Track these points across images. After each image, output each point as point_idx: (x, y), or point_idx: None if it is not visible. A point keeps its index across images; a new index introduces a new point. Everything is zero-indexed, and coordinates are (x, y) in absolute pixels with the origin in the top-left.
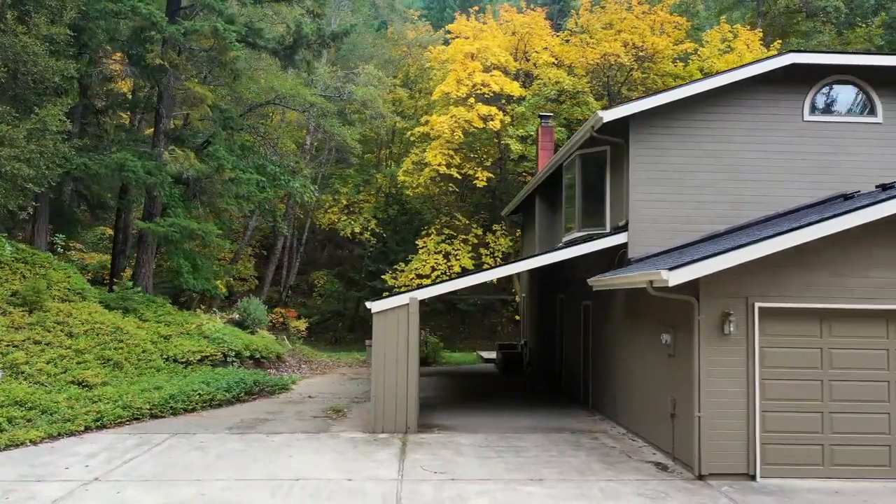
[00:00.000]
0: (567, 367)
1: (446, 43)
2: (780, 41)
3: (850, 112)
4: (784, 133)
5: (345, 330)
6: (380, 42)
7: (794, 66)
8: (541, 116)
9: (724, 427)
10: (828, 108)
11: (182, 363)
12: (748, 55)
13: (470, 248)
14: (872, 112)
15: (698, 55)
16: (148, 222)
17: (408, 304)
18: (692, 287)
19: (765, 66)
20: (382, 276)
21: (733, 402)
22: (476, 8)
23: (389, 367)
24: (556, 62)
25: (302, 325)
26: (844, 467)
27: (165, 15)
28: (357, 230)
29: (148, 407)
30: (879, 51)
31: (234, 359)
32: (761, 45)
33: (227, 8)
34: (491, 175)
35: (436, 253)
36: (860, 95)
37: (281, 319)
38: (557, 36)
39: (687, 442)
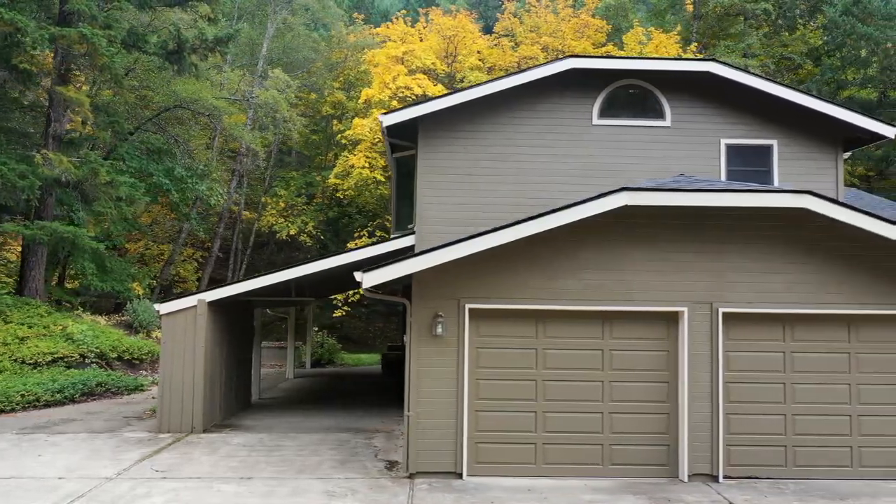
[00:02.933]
0: None
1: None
2: (718, 43)
3: (638, 116)
4: (573, 137)
5: (284, 332)
6: (321, 46)
7: (587, 70)
8: None
9: (435, 426)
10: (617, 112)
11: (31, 364)
12: (665, 55)
13: None
14: (660, 116)
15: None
16: (18, 224)
17: (196, 305)
18: (407, 288)
19: (546, 71)
20: None
21: (444, 401)
22: (404, 11)
23: (177, 368)
24: (482, 65)
25: None
26: (557, 466)
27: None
28: (293, 232)
29: None
30: (815, 52)
31: (94, 360)
32: (679, 48)
33: (110, 12)
34: None
35: None
36: (649, 99)
37: None
38: (490, 38)
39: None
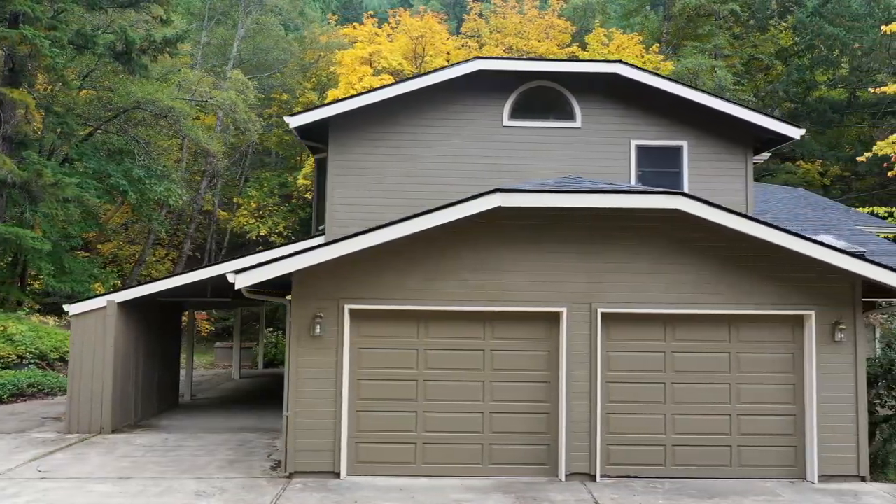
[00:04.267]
0: None
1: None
2: (688, 44)
3: (549, 117)
4: (483, 138)
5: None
6: (294, 48)
7: (496, 71)
8: None
9: (314, 426)
10: (527, 114)
11: None
12: (628, 57)
13: None
14: (571, 117)
15: (584, 59)
16: None
17: (105, 306)
18: (287, 288)
19: (455, 72)
20: None
21: (323, 401)
22: (371, 12)
23: (87, 370)
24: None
25: (210, 326)
26: (437, 465)
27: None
28: (264, 233)
29: None
30: (784, 52)
31: (32, 361)
32: (643, 49)
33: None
34: None
35: None
36: (559, 101)
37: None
38: (459, 38)
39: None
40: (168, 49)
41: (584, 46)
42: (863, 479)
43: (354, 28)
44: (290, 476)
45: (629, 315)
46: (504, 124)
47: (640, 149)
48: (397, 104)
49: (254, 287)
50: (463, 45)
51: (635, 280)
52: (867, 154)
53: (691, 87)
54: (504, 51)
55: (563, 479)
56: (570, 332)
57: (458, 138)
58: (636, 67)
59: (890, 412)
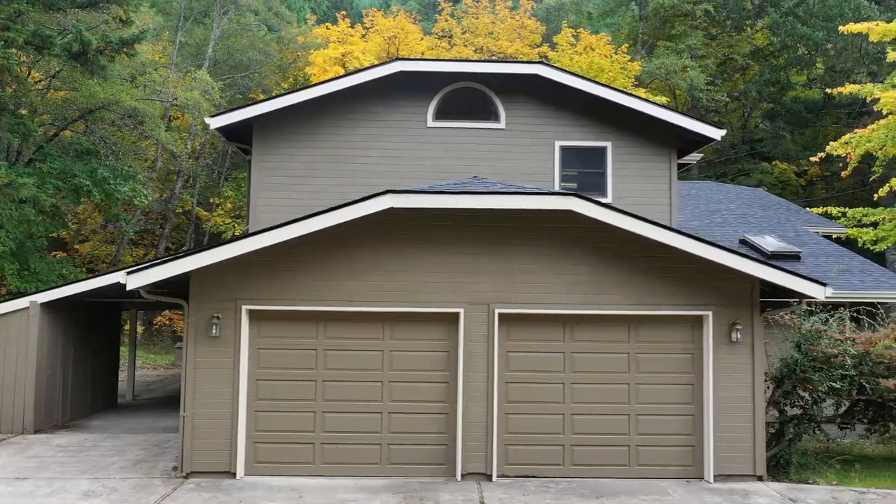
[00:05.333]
0: None
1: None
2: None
3: (473, 118)
4: (408, 139)
5: None
6: (271, 48)
7: (418, 73)
8: None
9: (211, 427)
10: (452, 115)
11: None
12: (597, 58)
13: None
14: (495, 118)
15: (554, 59)
16: None
17: (28, 307)
18: (185, 289)
19: (375, 73)
20: None
21: (220, 402)
22: (343, 13)
23: (9, 370)
24: None
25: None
26: (335, 465)
27: None
28: (239, 233)
29: None
30: (760, 52)
31: None
32: (612, 49)
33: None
34: None
35: None
36: (483, 102)
37: (168, 322)
38: (432, 39)
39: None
40: (125, 50)
41: (553, 47)
42: (760, 478)
43: (327, 28)
44: (187, 476)
45: (528, 315)
46: (428, 125)
47: (564, 150)
48: (325, 105)
49: (149, 288)
50: (435, 46)
51: (534, 281)
52: (820, 154)
53: (612, 88)
54: (474, 51)
55: (460, 478)
56: (467, 333)
57: (386, 139)
58: (557, 68)
59: (799, 411)
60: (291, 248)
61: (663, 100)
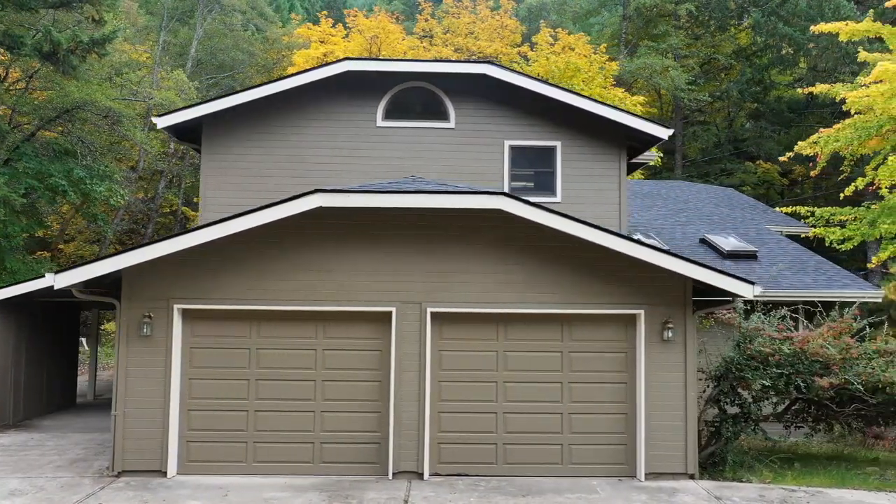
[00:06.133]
0: None
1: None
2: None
3: (423, 118)
4: (359, 138)
5: None
6: (256, 48)
7: (366, 72)
8: None
9: (143, 426)
10: (402, 114)
11: None
12: (574, 58)
13: None
14: (445, 118)
15: (532, 58)
16: None
17: None
18: (117, 288)
19: (323, 73)
20: None
21: (152, 401)
22: (325, 13)
23: None
24: None
25: None
26: (268, 464)
27: None
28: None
29: None
30: (743, 52)
31: None
32: (591, 49)
33: None
34: None
35: None
36: (433, 102)
37: None
38: (414, 38)
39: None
40: (96, 49)
41: (533, 46)
42: (692, 476)
43: (308, 28)
44: (119, 475)
45: (461, 314)
46: (378, 125)
47: (513, 149)
48: (276, 104)
49: (80, 287)
50: (416, 47)
51: (467, 280)
52: (788, 154)
53: (562, 88)
54: (454, 51)
55: (391, 477)
56: (400, 332)
57: (338, 139)
58: (505, 68)
59: (738, 410)
60: (224, 247)
61: (641, 100)
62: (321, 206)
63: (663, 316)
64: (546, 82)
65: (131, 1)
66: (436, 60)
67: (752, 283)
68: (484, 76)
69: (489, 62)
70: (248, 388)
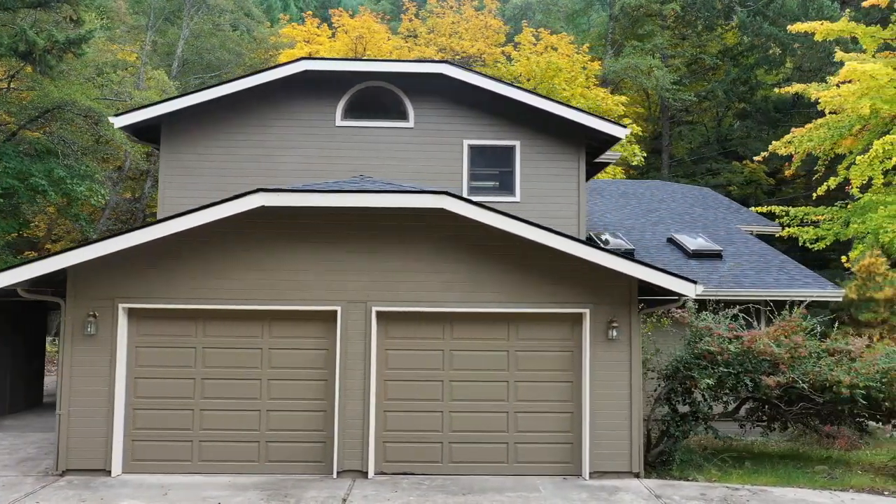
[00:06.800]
0: None
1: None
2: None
3: (382, 117)
4: (318, 138)
5: None
6: (243, 48)
7: (324, 72)
8: None
9: (88, 425)
10: (361, 114)
11: None
12: (555, 57)
13: None
14: (404, 117)
15: (515, 58)
16: None
17: None
18: (62, 287)
19: (281, 73)
20: None
21: (97, 400)
22: (310, 12)
23: None
24: None
25: None
26: (214, 463)
27: None
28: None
29: None
30: (729, 52)
31: None
32: (574, 48)
33: None
34: None
35: None
36: (392, 101)
37: None
38: (399, 38)
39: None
40: (73, 49)
41: (517, 46)
42: (637, 475)
43: (293, 28)
44: (63, 474)
45: (407, 313)
46: (337, 124)
47: (473, 148)
48: (235, 104)
49: (25, 286)
50: (400, 47)
51: (413, 279)
52: (763, 154)
53: (520, 88)
54: (437, 51)
55: (336, 476)
56: (345, 331)
57: (298, 138)
58: (463, 68)
59: (688, 409)
60: (170, 246)
61: (623, 99)
62: (263, 206)
63: (608, 315)
64: (504, 82)
65: (122, 0)
66: (394, 60)
67: (694, 282)
68: (441, 76)
69: (446, 62)
70: (194, 388)
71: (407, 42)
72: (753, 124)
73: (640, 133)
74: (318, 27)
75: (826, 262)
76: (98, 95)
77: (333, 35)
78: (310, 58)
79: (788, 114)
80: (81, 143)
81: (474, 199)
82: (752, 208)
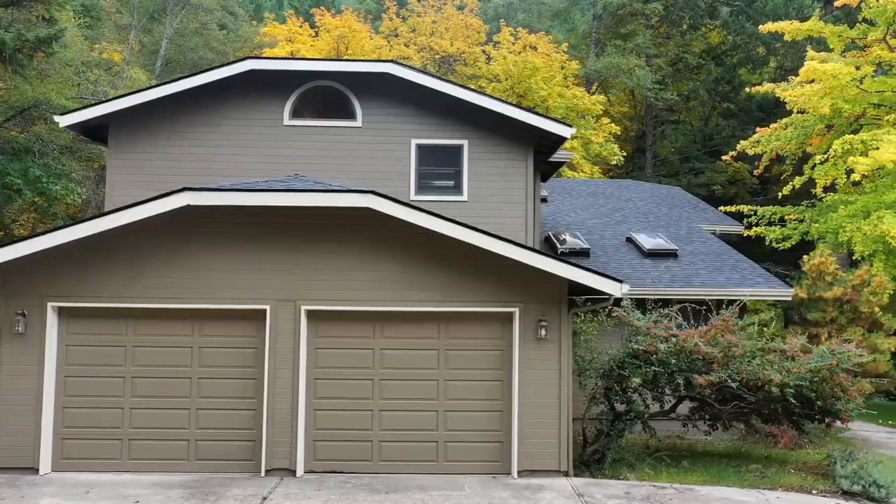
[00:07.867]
0: None
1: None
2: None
3: (330, 116)
4: (266, 137)
5: None
6: (226, 47)
7: (270, 71)
8: None
9: (16, 423)
10: (309, 113)
11: None
12: (532, 56)
13: None
14: (352, 116)
15: (495, 57)
16: None
17: None
18: None
19: (226, 72)
20: None
21: (26, 398)
22: (292, 11)
23: None
24: None
25: None
26: (143, 461)
27: None
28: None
29: None
30: (712, 51)
31: None
32: (554, 48)
33: None
34: None
35: None
36: (340, 100)
37: None
38: (381, 37)
39: None
40: (43, 48)
41: (497, 45)
42: (565, 474)
43: (275, 27)
44: None
45: (337, 313)
46: (285, 123)
47: (420, 148)
48: (182, 103)
49: None
50: (382, 46)
51: (343, 278)
52: (731, 153)
53: (466, 87)
54: (418, 51)
55: (264, 474)
56: (274, 330)
57: (245, 138)
58: (409, 67)
59: (625, 407)
60: (100, 245)
61: (601, 99)
62: (189, 205)
63: (538, 314)
64: (450, 82)
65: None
66: (341, 59)
67: (620, 281)
68: (389, 75)
69: (392, 61)
70: (124, 386)
71: (388, 41)
72: (738, 124)
73: (619, 132)
74: (300, 26)
75: (799, 262)
76: (74, 94)
77: (317, 34)
78: (255, 57)
79: (772, 113)
80: (60, 142)
81: (422, 198)
82: (721, 208)
